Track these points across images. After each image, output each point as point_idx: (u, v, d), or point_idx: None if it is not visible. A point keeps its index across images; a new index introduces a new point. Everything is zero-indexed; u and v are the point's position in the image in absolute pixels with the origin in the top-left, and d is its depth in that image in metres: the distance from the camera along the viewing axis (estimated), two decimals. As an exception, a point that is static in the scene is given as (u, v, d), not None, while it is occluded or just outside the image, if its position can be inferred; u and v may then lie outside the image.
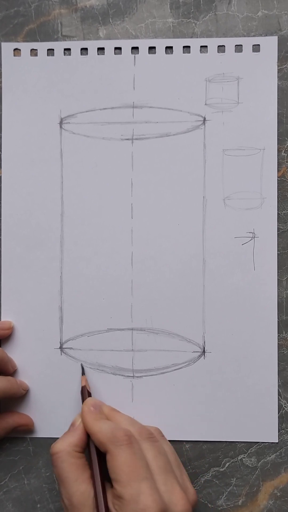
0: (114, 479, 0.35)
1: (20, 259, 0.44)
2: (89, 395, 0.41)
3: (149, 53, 0.43)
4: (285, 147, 0.43)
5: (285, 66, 0.43)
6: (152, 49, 0.43)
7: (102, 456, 0.37)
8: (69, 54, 0.44)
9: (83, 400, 0.40)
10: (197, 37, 0.43)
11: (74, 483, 0.36)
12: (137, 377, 0.43)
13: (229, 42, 0.43)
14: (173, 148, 0.43)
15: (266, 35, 0.43)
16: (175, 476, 0.37)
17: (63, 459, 0.37)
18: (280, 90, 0.43)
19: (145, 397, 0.42)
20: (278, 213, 0.43)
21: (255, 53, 0.43)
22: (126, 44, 0.43)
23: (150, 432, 0.39)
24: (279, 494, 0.42)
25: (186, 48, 0.43)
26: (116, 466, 0.35)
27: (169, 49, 0.43)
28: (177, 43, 0.43)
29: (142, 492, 0.34)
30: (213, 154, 0.43)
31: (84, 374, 0.42)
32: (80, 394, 0.42)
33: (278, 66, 0.43)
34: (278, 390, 0.42)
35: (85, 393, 0.41)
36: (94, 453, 0.38)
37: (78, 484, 0.36)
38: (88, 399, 0.40)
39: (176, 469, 0.38)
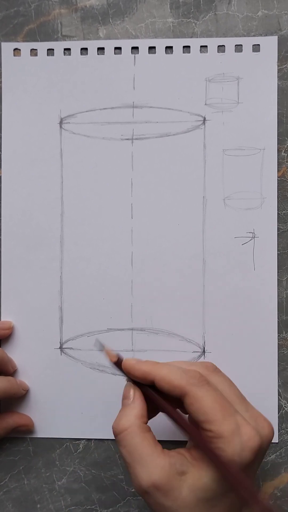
0: (205, 420, 0.32)
1: (20, 259, 0.44)
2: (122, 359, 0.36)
3: (149, 53, 0.43)
4: (285, 147, 0.43)
5: (285, 66, 0.43)
6: (152, 49, 0.43)
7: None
8: (69, 54, 0.44)
9: (121, 368, 0.36)
10: (197, 37, 0.43)
11: (151, 458, 0.32)
12: (137, 377, 0.43)
13: (229, 42, 0.43)
14: (173, 148, 0.43)
15: (266, 35, 0.43)
16: (249, 402, 0.36)
17: (134, 434, 0.33)
18: (280, 90, 0.43)
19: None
20: (278, 213, 0.43)
21: (255, 53, 0.43)
22: (126, 44, 0.43)
23: (213, 365, 0.37)
24: (279, 494, 0.42)
25: (186, 48, 0.43)
26: (206, 406, 0.32)
27: (169, 49, 0.43)
28: (177, 43, 0.43)
29: (240, 424, 0.32)
30: (213, 154, 0.43)
31: (104, 348, 0.37)
32: (114, 367, 0.37)
33: (278, 66, 0.43)
34: (278, 390, 0.42)
35: (120, 360, 0.36)
36: (154, 394, 0.34)
37: (156, 458, 0.32)
38: (131, 359, 0.35)
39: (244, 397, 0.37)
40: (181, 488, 0.32)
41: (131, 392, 0.35)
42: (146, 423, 0.34)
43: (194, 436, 0.33)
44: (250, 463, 0.32)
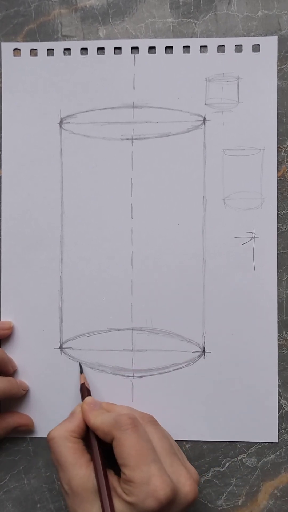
0: (122, 464, 0.35)
1: (20, 259, 0.44)
2: (89, 393, 0.41)
3: (149, 53, 0.43)
4: (285, 147, 0.43)
5: (285, 66, 0.43)
6: (152, 49, 0.43)
7: (102, 446, 0.38)
8: (69, 54, 0.44)
9: (82, 398, 0.41)
10: (197, 37, 0.43)
11: (72, 467, 0.36)
12: (137, 377, 0.43)
13: (229, 42, 0.43)
14: (173, 148, 0.43)
15: (266, 35, 0.43)
16: (179, 458, 0.38)
17: (60, 444, 0.37)
18: (280, 90, 0.43)
19: (145, 397, 0.42)
20: (278, 213, 0.43)
21: (255, 53, 0.43)
22: (126, 44, 0.43)
23: (151, 416, 0.40)
24: (279, 494, 0.42)
25: (186, 48, 0.43)
26: (124, 451, 0.35)
27: (169, 49, 0.43)
28: (177, 43, 0.43)
29: (152, 474, 0.34)
30: (213, 154, 0.43)
31: (82, 372, 0.42)
32: (79, 392, 0.42)
33: (278, 66, 0.43)
34: (278, 390, 0.42)
35: (84, 391, 0.41)
36: (94, 440, 0.38)
37: (77, 468, 0.36)
38: (87, 398, 0.40)
39: (178, 452, 0.39)
40: (93, 503, 0.35)
41: (77, 410, 0.39)
42: (80, 437, 0.38)
43: (98, 477, 0.36)
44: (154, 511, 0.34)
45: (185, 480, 0.36)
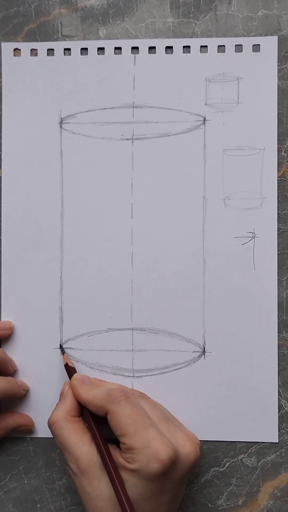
0: (121, 434, 0.36)
1: (20, 259, 0.44)
2: (74, 370, 0.42)
3: (149, 53, 0.43)
4: (285, 147, 0.43)
5: (285, 66, 0.43)
6: (152, 49, 0.43)
7: (99, 420, 0.38)
8: (69, 54, 0.44)
9: (69, 376, 0.41)
10: (197, 37, 0.43)
11: (76, 446, 0.37)
12: (137, 377, 0.43)
13: (229, 42, 0.43)
14: (173, 148, 0.43)
15: (266, 35, 0.43)
16: (174, 424, 0.38)
17: (61, 426, 0.38)
18: (280, 90, 0.43)
19: (145, 397, 0.42)
20: (278, 213, 0.43)
21: (255, 53, 0.43)
22: (126, 44, 0.43)
23: (142, 393, 0.41)
24: (279, 494, 0.42)
25: (186, 48, 0.43)
26: (120, 421, 0.36)
27: (169, 49, 0.43)
28: (177, 43, 0.43)
29: (151, 438, 0.35)
30: (213, 154, 0.43)
31: (64, 353, 0.43)
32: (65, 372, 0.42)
33: (278, 66, 0.43)
34: (278, 390, 0.42)
35: (70, 369, 0.41)
36: (88, 414, 0.38)
37: (81, 446, 0.37)
38: (76, 374, 0.41)
39: (173, 419, 0.39)
40: (101, 479, 0.36)
41: (65, 389, 0.40)
42: (77, 416, 0.39)
43: (100, 451, 0.37)
44: (159, 474, 0.34)
45: (183, 441, 0.37)
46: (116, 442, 0.37)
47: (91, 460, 0.36)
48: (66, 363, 0.42)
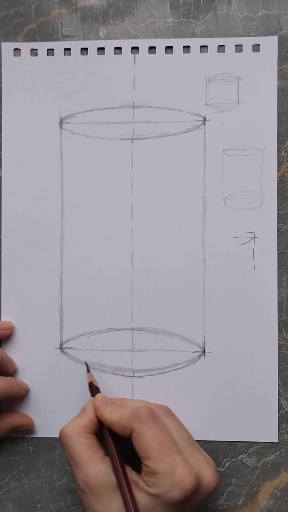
0: (145, 456, 0.35)
1: (20, 259, 0.44)
2: (98, 390, 0.41)
3: (149, 53, 0.43)
4: (285, 147, 0.43)
5: (285, 66, 0.43)
6: (152, 49, 0.43)
7: (116, 440, 0.37)
8: (69, 54, 0.44)
9: (92, 395, 0.40)
10: (197, 37, 0.43)
11: (87, 463, 0.36)
12: (137, 377, 0.43)
13: (229, 42, 0.43)
14: (173, 148, 0.43)
15: (266, 35, 0.43)
16: (197, 448, 0.38)
17: (73, 440, 0.36)
18: (280, 90, 0.43)
19: (145, 397, 0.42)
20: (278, 213, 0.43)
21: (255, 53, 0.43)
22: (126, 44, 0.43)
23: (166, 407, 0.40)
24: (279, 494, 0.42)
25: (186, 48, 0.43)
26: (146, 443, 0.35)
27: (169, 49, 0.43)
28: (177, 43, 0.43)
29: (176, 465, 0.34)
30: (213, 154, 0.43)
31: (89, 371, 0.42)
32: (83, 391, 0.42)
33: (278, 66, 0.43)
34: (278, 390, 0.42)
35: (94, 388, 0.41)
36: (108, 435, 0.37)
37: (93, 464, 0.36)
38: (99, 395, 0.40)
39: (195, 442, 0.39)
40: (112, 498, 0.35)
41: (88, 406, 0.39)
42: (93, 433, 0.38)
43: (117, 472, 0.36)
44: (179, 503, 0.34)
45: (206, 469, 0.36)
46: (131, 464, 0.37)
47: (102, 479, 0.35)
48: (91, 382, 0.41)
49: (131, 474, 0.36)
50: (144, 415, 0.36)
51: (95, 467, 0.36)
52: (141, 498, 0.35)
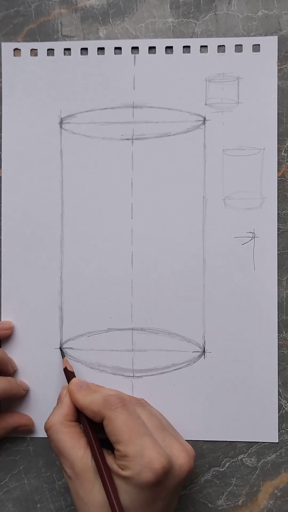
0: (115, 441, 0.36)
1: (20, 259, 0.44)
2: (73, 375, 0.41)
3: (149, 53, 0.43)
4: (285, 147, 0.43)
5: (285, 66, 0.43)
6: (152, 49, 0.43)
7: (96, 426, 0.38)
8: (69, 54, 0.44)
9: (68, 380, 0.41)
10: (197, 37, 0.43)
11: (72, 451, 0.37)
12: (137, 377, 0.43)
13: (229, 42, 0.43)
14: (173, 148, 0.43)
15: (266, 35, 0.43)
16: (170, 433, 0.38)
17: (58, 430, 0.38)
18: (280, 90, 0.43)
19: (145, 397, 0.42)
20: (278, 213, 0.43)
21: (255, 53, 0.43)
22: (126, 44, 0.43)
23: (140, 399, 0.41)
24: (279, 494, 0.42)
25: (186, 48, 0.43)
26: (116, 428, 0.36)
27: (169, 49, 0.43)
28: (177, 43, 0.43)
29: (145, 447, 0.35)
30: (213, 154, 0.43)
31: (64, 356, 0.43)
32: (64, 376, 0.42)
33: (278, 66, 0.43)
34: (278, 390, 0.42)
35: (69, 373, 0.41)
36: (84, 420, 0.38)
37: (76, 451, 0.37)
38: (74, 379, 0.40)
39: (170, 429, 0.39)
40: (94, 484, 0.36)
41: (63, 393, 0.40)
42: (73, 420, 0.39)
43: (95, 456, 0.36)
44: (151, 484, 0.34)
45: (178, 452, 0.37)
46: (112, 448, 0.37)
47: (85, 465, 0.36)
48: (65, 367, 0.42)
49: (109, 458, 0.37)
50: (114, 402, 0.37)
51: (79, 453, 0.37)
52: (117, 482, 0.35)
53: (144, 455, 0.35)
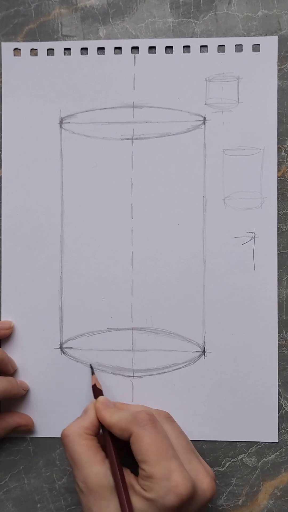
0: (141, 460, 0.35)
1: (20, 259, 0.44)
2: (101, 393, 0.41)
3: (149, 53, 0.43)
4: (285, 147, 0.43)
5: (285, 66, 0.43)
6: (152, 49, 0.43)
7: (117, 443, 0.37)
8: (69, 54, 0.44)
9: (95, 397, 0.41)
10: (197, 37, 0.43)
11: (87, 465, 0.36)
12: (137, 377, 0.43)
13: (229, 42, 0.43)
14: (173, 148, 0.43)
15: (266, 35, 0.43)
16: (196, 456, 0.38)
17: (74, 442, 0.37)
18: (280, 90, 0.43)
19: (145, 397, 0.42)
20: (278, 213, 0.43)
21: (255, 53, 0.43)
22: (126, 44, 0.43)
23: (167, 413, 0.40)
24: (279, 494, 0.42)
25: (186, 48, 0.43)
26: (143, 447, 0.35)
27: (169, 49, 0.43)
28: (177, 43, 0.43)
29: (172, 470, 0.34)
30: (213, 154, 0.43)
31: (93, 373, 0.42)
32: (91, 391, 0.42)
33: (278, 66, 0.43)
34: (278, 390, 0.42)
35: (97, 390, 0.41)
36: (108, 438, 0.38)
37: (92, 465, 0.36)
38: (100, 397, 0.40)
39: (194, 450, 0.39)
40: (110, 501, 0.35)
41: (89, 407, 0.39)
42: (94, 434, 0.38)
43: (114, 474, 0.36)
44: (174, 508, 0.34)
45: (203, 477, 0.36)
46: (130, 467, 0.37)
47: (101, 481, 0.35)
48: (94, 384, 0.41)
49: (129, 477, 0.36)
50: (143, 419, 0.36)
51: (94, 468, 0.36)
52: (137, 502, 0.35)
53: (170, 478, 0.34)
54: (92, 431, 0.38)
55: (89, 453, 0.36)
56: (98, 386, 0.41)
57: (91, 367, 0.43)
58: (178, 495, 0.34)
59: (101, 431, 0.39)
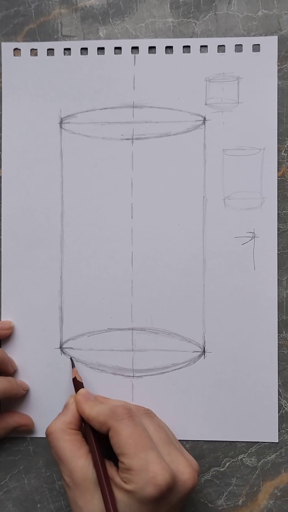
0: (120, 453, 0.35)
1: (20, 259, 0.44)
2: (81, 385, 0.41)
3: (149, 53, 0.43)
4: (285, 147, 0.43)
5: (285, 66, 0.43)
6: (152, 49, 0.43)
7: (99, 437, 0.38)
8: (69, 54, 0.44)
9: (76, 390, 0.41)
10: (197, 37, 0.43)
11: (72, 459, 0.37)
12: (137, 377, 0.43)
13: (229, 42, 0.43)
14: (173, 148, 0.43)
15: (266, 35, 0.43)
16: (176, 447, 0.38)
17: (58, 437, 0.37)
18: (280, 90, 0.43)
19: (145, 397, 0.42)
20: (278, 213, 0.43)
21: (255, 53, 0.43)
22: (126, 44, 0.43)
23: (147, 409, 0.40)
24: (279, 494, 0.42)
25: (186, 48, 0.43)
26: (121, 440, 0.35)
27: (169, 49, 0.43)
28: (177, 43, 0.43)
29: (150, 461, 0.35)
30: (213, 154, 0.43)
31: (74, 366, 0.42)
32: (72, 385, 0.42)
33: (278, 66, 0.43)
34: (278, 390, 0.42)
35: (77, 383, 0.41)
36: (89, 431, 0.38)
37: (77, 459, 0.36)
38: (81, 390, 0.40)
39: (175, 442, 0.39)
40: (94, 494, 0.35)
41: (70, 401, 0.40)
42: (76, 429, 0.38)
43: (96, 467, 0.36)
44: (154, 499, 0.34)
45: (183, 468, 0.36)
46: (114, 460, 0.37)
47: (85, 475, 0.36)
48: (75, 377, 0.42)
49: (111, 470, 0.36)
50: (121, 413, 0.36)
51: (79, 462, 0.36)
52: (118, 494, 0.35)
53: (148, 469, 0.34)
54: (75, 425, 0.38)
55: (73, 448, 0.37)
56: (78, 378, 0.42)
57: (71, 360, 0.43)
58: (156, 486, 0.34)
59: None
